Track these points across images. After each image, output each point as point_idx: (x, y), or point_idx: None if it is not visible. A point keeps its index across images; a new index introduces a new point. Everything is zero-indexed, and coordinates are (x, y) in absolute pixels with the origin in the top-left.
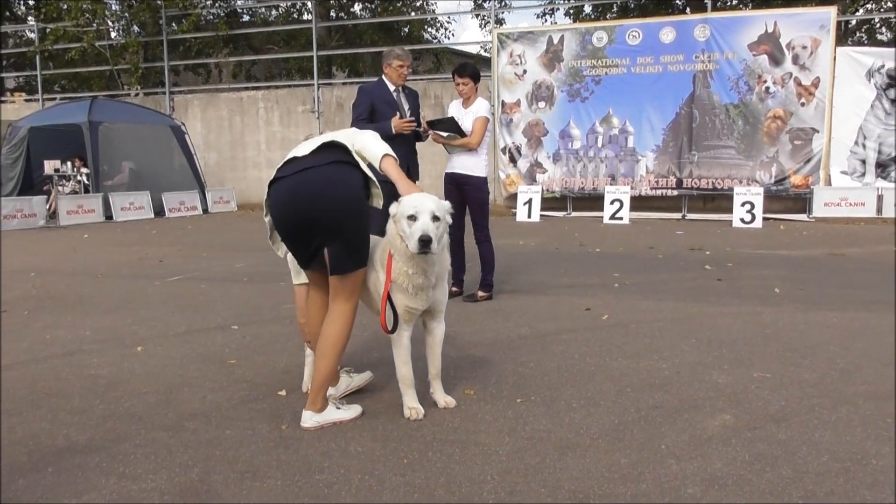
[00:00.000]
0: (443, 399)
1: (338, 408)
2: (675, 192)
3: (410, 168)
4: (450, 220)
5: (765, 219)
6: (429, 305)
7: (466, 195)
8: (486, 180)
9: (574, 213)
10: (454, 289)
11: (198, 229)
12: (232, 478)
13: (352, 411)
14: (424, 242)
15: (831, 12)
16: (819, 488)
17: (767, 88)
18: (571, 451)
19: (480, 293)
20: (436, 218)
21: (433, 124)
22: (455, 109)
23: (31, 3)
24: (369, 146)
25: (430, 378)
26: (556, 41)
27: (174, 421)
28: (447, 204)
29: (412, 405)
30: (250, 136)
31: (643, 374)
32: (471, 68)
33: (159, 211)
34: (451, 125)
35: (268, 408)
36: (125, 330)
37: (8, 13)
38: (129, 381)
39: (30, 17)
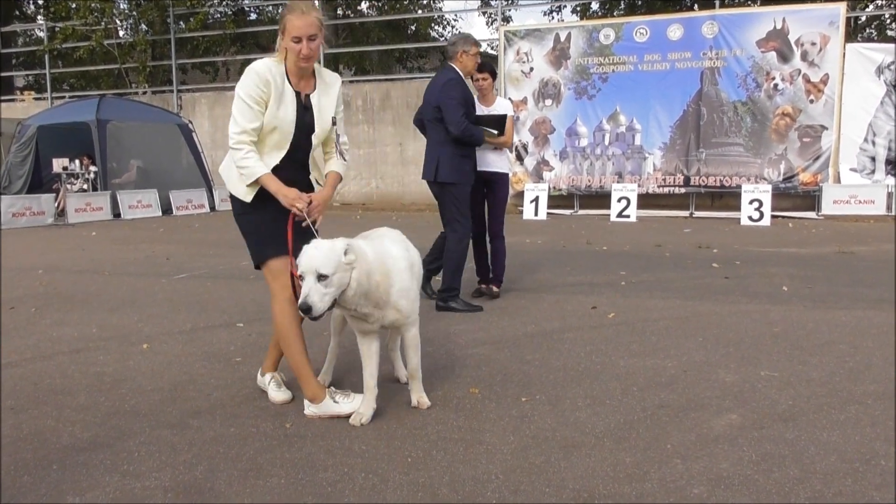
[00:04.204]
0: (416, 398)
1: (335, 401)
2: (683, 190)
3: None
4: (350, 260)
5: (773, 216)
6: (383, 325)
7: (494, 191)
8: (510, 176)
9: (581, 211)
10: (495, 288)
11: (205, 227)
12: (236, 476)
13: (350, 404)
14: (304, 311)
15: (840, 8)
16: (827, 489)
17: (776, 85)
18: (576, 450)
19: (495, 288)
20: (322, 277)
21: (478, 121)
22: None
23: (40, 2)
24: (248, 173)
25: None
26: (563, 38)
27: (179, 419)
28: (343, 248)
29: (360, 410)
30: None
31: (649, 372)
32: (489, 65)
33: (167, 209)
34: (495, 122)
35: (272, 406)
36: (131, 327)
37: (17, 12)
38: (134, 379)
39: (39, 17)
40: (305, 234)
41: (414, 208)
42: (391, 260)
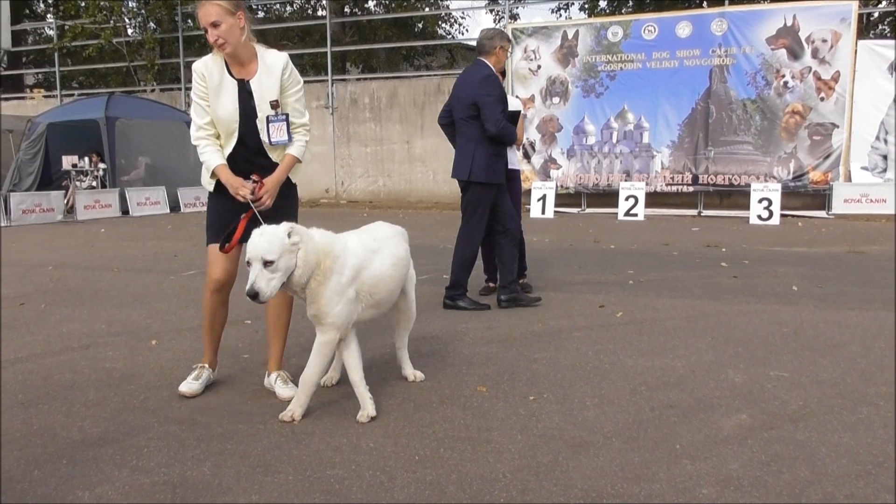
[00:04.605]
0: (289, 412)
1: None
2: (691, 189)
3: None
4: (294, 241)
5: (782, 215)
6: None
7: (509, 189)
8: (521, 173)
9: (588, 210)
10: (522, 280)
11: None
12: (244, 472)
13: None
14: (252, 297)
15: (853, 5)
16: (838, 491)
17: (786, 83)
18: (584, 450)
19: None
20: (268, 263)
21: None
22: None
23: (49, 0)
24: (206, 165)
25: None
26: (570, 36)
27: (187, 415)
28: (286, 231)
29: (291, 407)
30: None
31: (658, 372)
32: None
33: (175, 206)
34: (510, 119)
35: (280, 403)
36: (140, 324)
37: (27, 11)
38: (143, 375)
39: (49, 15)
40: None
41: (421, 206)
42: (338, 252)
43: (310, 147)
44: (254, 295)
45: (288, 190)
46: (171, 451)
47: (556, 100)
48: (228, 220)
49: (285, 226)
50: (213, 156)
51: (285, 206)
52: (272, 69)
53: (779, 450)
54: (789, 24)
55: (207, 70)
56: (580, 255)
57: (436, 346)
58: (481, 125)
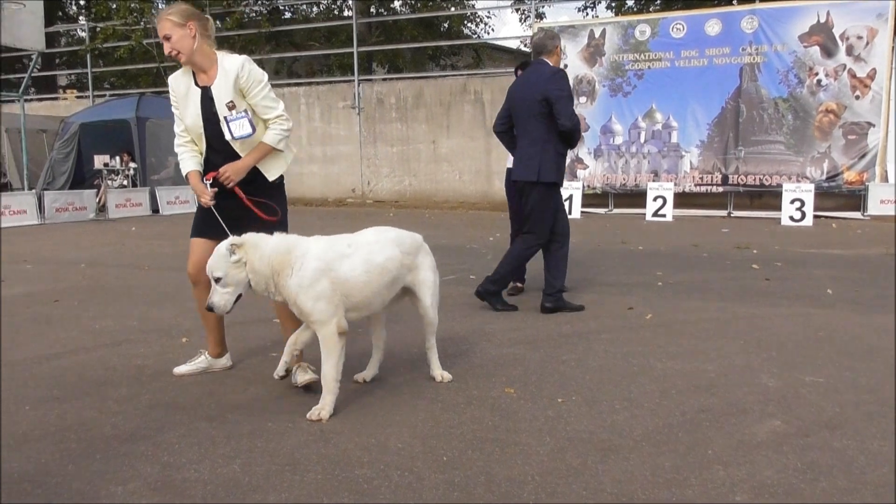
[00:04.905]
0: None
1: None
2: (721, 189)
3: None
4: (237, 258)
5: (815, 217)
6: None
7: None
8: None
9: (615, 210)
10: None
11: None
12: (273, 470)
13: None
14: (209, 310)
15: (890, 3)
16: (878, 500)
17: (819, 81)
18: (614, 454)
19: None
20: (217, 279)
21: None
22: None
23: (82, 3)
24: (183, 171)
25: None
26: (597, 35)
27: (217, 412)
28: (226, 250)
29: (318, 406)
30: (293, 132)
31: (688, 375)
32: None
33: (154, 209)
34: None
35: (308, 401)
36: (170, 321)
37: (60, 13)
38: (173, 372)
39: (81, 17)
40: (238, 221)
41: (447, 206)
42: (298, 255)
43: (336, 147)
44: (210, 308)
45: (273, 189)
46: (202, 448)
47: (582, 99)
48: (204, 216)
49: (227, 242)
50: (186, 162)
51: (271, 204)
52: (228, 73)
53: (815, 457)
54: (823, 20)
55: (176, 82)
56: (607, 256)
57: (463, 347)
58: (549, 124)
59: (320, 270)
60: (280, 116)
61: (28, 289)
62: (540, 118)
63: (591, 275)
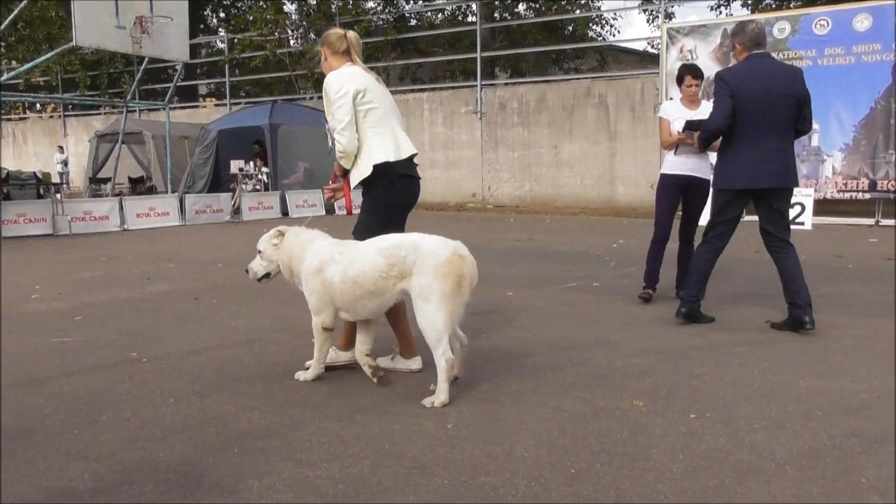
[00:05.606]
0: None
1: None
2: (868, 196)
3: None
4: (275, 242)
5: None
6: None
7: (693, 196)
8: (710, 182)
9: (747, 217)
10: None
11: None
12: (401, 472)
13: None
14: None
15: None
16: None
17: None
18: (754, 476)
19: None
20: (259, 252)
21: (690, 125)
22: (674, 109)
23: (222, 15)
24: None
25: None
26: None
27: (346, 412)
28: (272, 234)
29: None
30: (415, 137)
31: (835, 396)
32: (700, 69)
33: (329, 208)
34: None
35: (429, 410)
36: (300, 321)
37: (202, 25)
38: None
39: (221, 29)
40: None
41: (568, 211)
42: (310, 252)
43: (458, 151)
44: (246, 271)
45: (364, 192)
46: (332, 447)
47: (707, 101)
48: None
49: (276, 230)
50: None
51: (364, 203)
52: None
53: None
54: None
55: None
56: (740, 264)
57: (587, 356)
58: (791, 125)
59: (315, 269)
60: (333, 129)
61: (171, 287)
62: (787, 118)
63: (722, 284)
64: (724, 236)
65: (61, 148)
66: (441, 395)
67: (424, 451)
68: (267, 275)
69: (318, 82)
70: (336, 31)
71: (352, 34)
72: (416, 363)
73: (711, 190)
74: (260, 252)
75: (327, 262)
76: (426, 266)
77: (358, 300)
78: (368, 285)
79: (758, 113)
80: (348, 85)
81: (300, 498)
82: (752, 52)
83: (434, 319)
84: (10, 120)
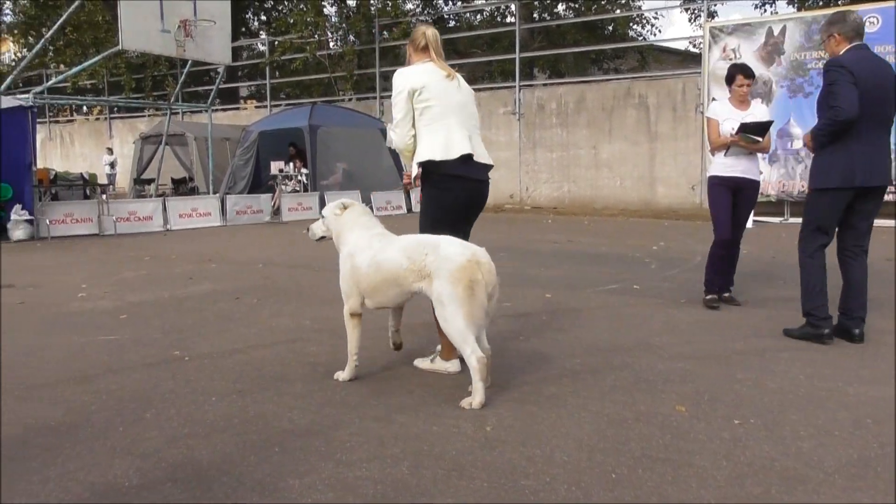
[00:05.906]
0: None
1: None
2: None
3: None
4: (335, 212)
5: None
6: None
7: (744, 198)
8: (760, 184)
9: (792, 220)
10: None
11: (401, 227)
12: (440, 474)
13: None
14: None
15: None
16: None
17: None
18: (801, 485)
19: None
20: (321, 217)
21: (745, 128)
22: (723, 110)
23: (262, 18)
24: None
25: None
26: (776, 32)
27: (385, 413)
28: (335, 206)
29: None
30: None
31: (887, 404)
32: (750, 69)
33: (409, 207)
34: (760, 129)
35: (466, 407)
36: (340, 321)
37: (243, 28)
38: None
39: (262, 32)
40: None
41: (606, 213)
42: (351, 237)
43: (496, 152)
44: (306, 231)
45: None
46: (371, 448)
47: (757, 101)
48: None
49: (339, 202)
50: None
51: (421, 201)
52: None
53: None
54: None
55: None
56: (784, 268)
57: (628, 360)
58: (892, 121)
59: (349, 254)
60: (389, 124)
61: (213, 287)
62: (891, 112)
63: (766, 288)
64: (828, 243)
65: (110, 150)
66: (477, 395)
67: (463, 453)
68: (323, 237)
69: (357, 84)
70: (418, 29)
71: (430, 31)
72: (453, 366)
73: (808, 192)
74: (323, 217)
75: (360, 249)
76: (441, 270)
77: (380, 285)
78: (393, 272)
79: (871, 105)
80: (405, 83)
81: (340, 498)
82: (853, 44)
83: (453, 321)
84: (57, 122)
